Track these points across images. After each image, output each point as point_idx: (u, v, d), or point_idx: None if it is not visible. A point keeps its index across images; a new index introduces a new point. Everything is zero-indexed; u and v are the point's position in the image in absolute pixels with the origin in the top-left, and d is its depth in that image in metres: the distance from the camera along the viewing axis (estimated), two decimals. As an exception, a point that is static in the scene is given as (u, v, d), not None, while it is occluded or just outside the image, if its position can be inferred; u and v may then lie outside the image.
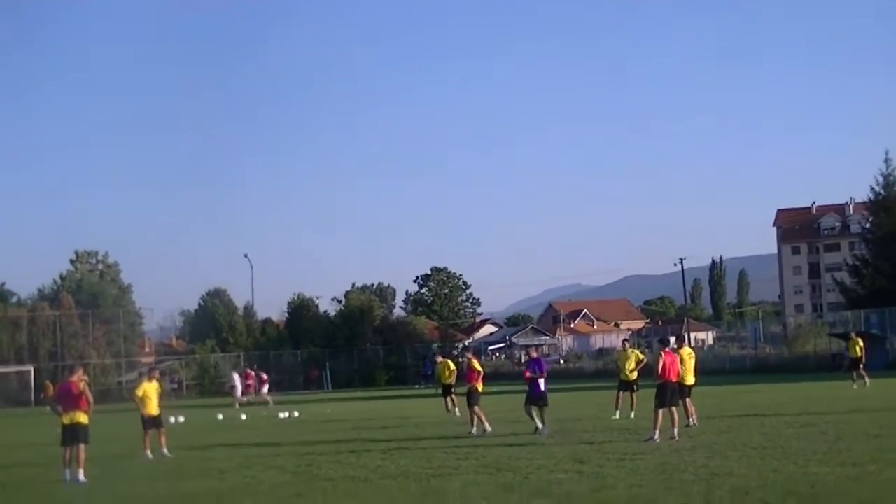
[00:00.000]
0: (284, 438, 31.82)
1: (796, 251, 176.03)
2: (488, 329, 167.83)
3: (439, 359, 45.23)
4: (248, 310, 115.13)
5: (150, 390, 27.29)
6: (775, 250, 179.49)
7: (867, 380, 44.95)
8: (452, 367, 41.83)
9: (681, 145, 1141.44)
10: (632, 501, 15.11)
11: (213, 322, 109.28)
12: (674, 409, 24.59)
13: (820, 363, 73.61)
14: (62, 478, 21.85)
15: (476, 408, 29.70)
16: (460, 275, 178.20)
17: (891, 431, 23.60)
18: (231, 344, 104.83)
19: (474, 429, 29.15)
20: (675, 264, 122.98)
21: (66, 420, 22.34)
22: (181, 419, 45.36)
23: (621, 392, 33.10)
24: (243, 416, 47.52)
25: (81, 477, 21.63)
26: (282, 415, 45.84)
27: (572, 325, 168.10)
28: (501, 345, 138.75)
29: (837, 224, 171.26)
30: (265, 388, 66.08)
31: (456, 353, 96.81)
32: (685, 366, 26.74)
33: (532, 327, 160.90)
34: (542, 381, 28.08)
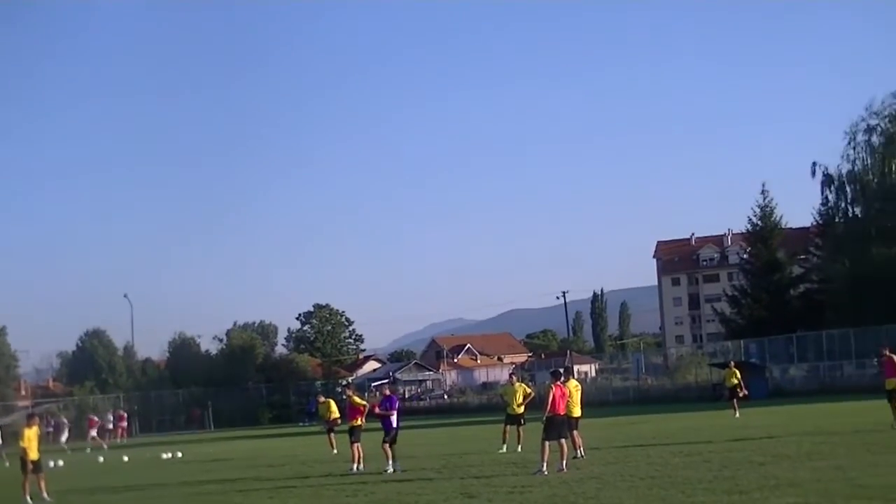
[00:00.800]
0: (169, 479, 31.36)
1: (676, 282, 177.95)
2: (372, 365, 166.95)
3: (321, 398, 45.01)
4: (128, 350, 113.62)
5: (30, 435, 26.84)
6: (655, 282, 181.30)
7: (737, 411, 45.45)
8: (334, 405, 41.73)
9: (560, 178, 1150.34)
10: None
11: (93, 363, 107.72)
12: (562, 441, 24.61)
13: (701, 393, 74.32)
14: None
15: (357, 445, 29.51)
16: (343, 311, 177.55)
17: (774, 459, 23.83)
18: (110, 385, 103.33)
19: (355, 465, 28.93)
20: (557, 297, 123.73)
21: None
22: (60, 463, 44.52)
23: (508, 426, 33.07)
24: (125, 458, 46.77)
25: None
26: (165, 455, 45.20)
27: (456, 360, 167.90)
28: (385, 381, 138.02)
29: (716, 255, 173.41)
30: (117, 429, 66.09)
31: (339, 390, 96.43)
32: (572, 398, 26.85)
33: (415, 363, 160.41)
34: (393, 418, 28.13)
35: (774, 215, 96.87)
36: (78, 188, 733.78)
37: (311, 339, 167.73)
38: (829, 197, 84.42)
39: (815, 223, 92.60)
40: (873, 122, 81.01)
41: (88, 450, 59.64)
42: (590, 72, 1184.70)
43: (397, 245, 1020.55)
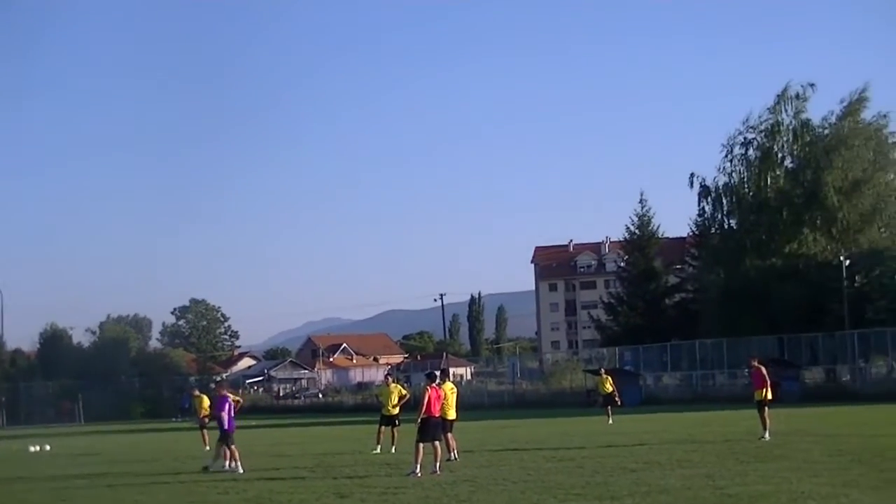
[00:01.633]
0: (36, 473, 30.77)
1: (553, 288, 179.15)
2: (247, 362, 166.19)
3: (195, 393, 44.54)
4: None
5: None
6: (533, 287, 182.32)
7: (611, 417, 45.85)
8: (207, 401, 41.29)
9: (440, 181, 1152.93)
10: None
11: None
12: (436, 443, 24.59)
13: (576, 398, 74.85)
14: None
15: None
16: (219, 307, 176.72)
17: (646, 466, 24.04)
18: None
19: (227, 463, 28.65)
20: (435, 300, 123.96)
21: None
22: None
23: (383, 426, 32.98)
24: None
25: None
26: (32, 448, 44.37)
27: (331, 359, 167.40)
28: (259, 378, 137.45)
29: (594, 262, 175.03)
30: None
31: (213, 386, 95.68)
32: (447, 401, 26.81)
33: (291, 361, 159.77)
34: (224, 416, 28.00)
35: (652, 224, 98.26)
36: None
37: (187, 333, 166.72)
38: (706, 208, 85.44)
39: (691, 234, 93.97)
40: (750, 135, 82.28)
41: None
42: (458, 68, 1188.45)
43: (275, 242, 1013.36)
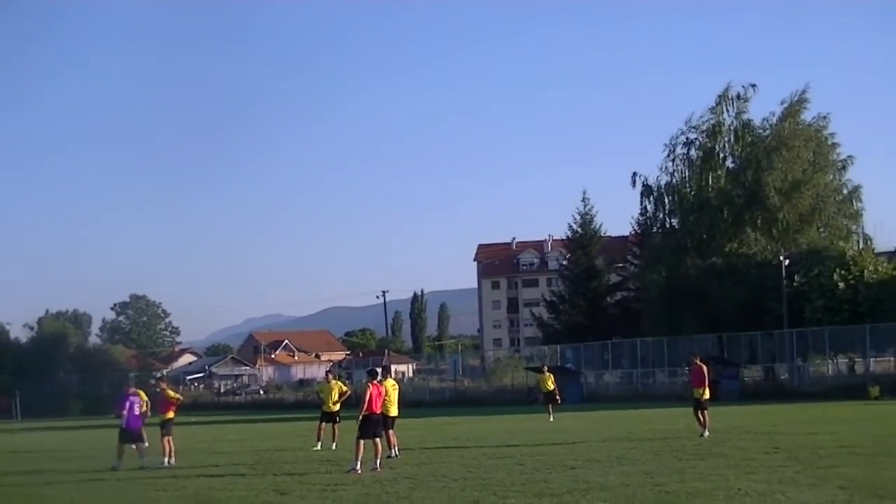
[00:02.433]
0: (-29, 470, 30.45)
1: (496, 286, 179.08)
2: (188, 358, 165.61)
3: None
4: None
5: None
6: (475, 285, 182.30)
7: (552, 415, 45.97)
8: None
9: (382, 178, 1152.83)
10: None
11: None
12: (377, 440, 24.56)
13: (517, 396, 75.02)
14: None
15: (168, 438, 29.13)
16: (160, 303, 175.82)
17: (586, 463, 24.13)
18: None
19: (166, 459, 28.51)
20: (377, 297, 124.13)
21: None
22: None
23: (323, 423, 32.96)
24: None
25: None
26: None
27: (273, 356, 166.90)
28: (200, 374, 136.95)
29: (536, 260, 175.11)
30: None
31: (153, 382, 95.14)
32: (389, 397, 26.80)
33: (232, 357, 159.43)
34: (125, 415, 28.40)
35: (594, 223, 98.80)
36: None
37: (127, 329, 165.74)
38: (648, 207, 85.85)
39: (633, 232, 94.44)
40: (692, 135, 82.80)
41: None
42: (399, 67, 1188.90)
43: (216, 238, 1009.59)
